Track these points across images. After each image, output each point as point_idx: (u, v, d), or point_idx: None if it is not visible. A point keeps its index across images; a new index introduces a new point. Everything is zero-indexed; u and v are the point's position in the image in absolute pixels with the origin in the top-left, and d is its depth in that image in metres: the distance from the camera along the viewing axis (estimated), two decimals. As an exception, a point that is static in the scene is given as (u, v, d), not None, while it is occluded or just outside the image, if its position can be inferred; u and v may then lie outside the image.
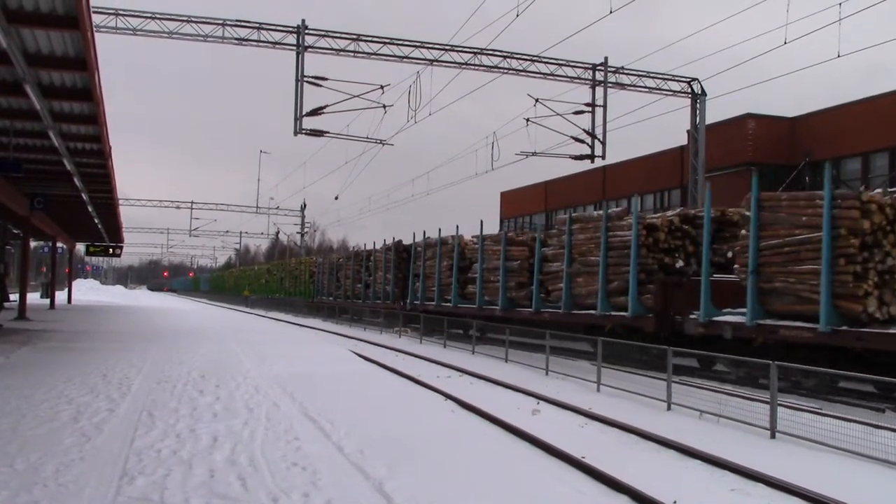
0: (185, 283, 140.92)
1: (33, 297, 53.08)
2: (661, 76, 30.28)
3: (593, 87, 29.91)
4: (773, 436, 10.42)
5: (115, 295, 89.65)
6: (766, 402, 10.84)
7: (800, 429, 10.19)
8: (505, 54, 28.78)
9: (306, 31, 27.26)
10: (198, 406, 11.72)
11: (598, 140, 29.99)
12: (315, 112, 27.77)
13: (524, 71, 29.20)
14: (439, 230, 29.64)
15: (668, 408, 12.64)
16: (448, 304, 28.02)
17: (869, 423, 10.02)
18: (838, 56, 20.54)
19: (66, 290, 63.43)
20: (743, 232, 15.73)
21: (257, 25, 27.13)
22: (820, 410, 11.50)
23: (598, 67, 29.83)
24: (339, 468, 8.13)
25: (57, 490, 7.03)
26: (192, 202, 71.53)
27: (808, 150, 29.89)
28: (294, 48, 27.21)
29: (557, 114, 29.61)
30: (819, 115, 31.90)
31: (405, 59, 28.08)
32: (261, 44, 27.34)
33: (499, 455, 9.13)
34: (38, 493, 6.92)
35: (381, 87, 27.96)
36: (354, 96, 27.72)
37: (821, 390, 13.91)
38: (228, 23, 26.91)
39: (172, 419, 10.57)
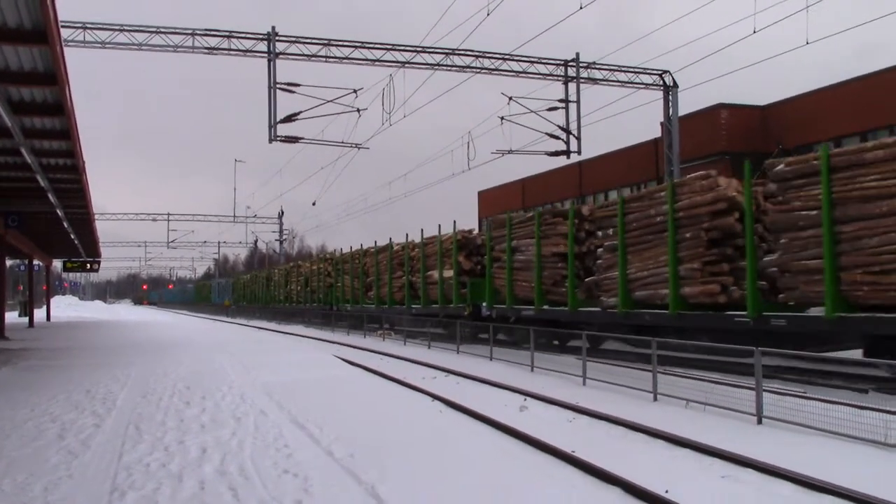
0: (178, 294, 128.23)
1: (11, 316, 52.42)
2: (632, 70, 30.45)
3: (566, 83, 30.04)
4: (759, 421, 10.50)
5: (95, 310, 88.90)
6: (752, 389, 10.92)
7: (786, 413, 10.29)
8: (477, 54, 28.83)
9: (277, 38, 27.17)
10: (185, 418, 11.65)
11: (573, 136, 30.13)
12: (289, 119, 27.67)
13: (496, 70, 29.27)
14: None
15: (655, 399, 12.70)
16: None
17: (853, 405, 10.11)
18: (807, 43, 20.75)
19: (45, 307, 62.79)
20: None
21: (227, 34, 27.02)
22: (805, 394, 11.60)
23: (570, 63, 29.96)
24: (330, 473, 8.10)
25: (46, 509, 6.96)
26: (168, 214, 71.19)
27: (778, 138, 30.17)
28: (265, 55, 27.13)
29: (532, 111, 29.72)
30: (790, 103, 32.23)
31: (377, 63, 28.08)
32: (231, 52, 27.23)
33: (489, 453, 9.13)
34: (27, 513, 6.85)
35: (355, 91, 27.96)
36: (328, 101, 27.66)
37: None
38: (198, 32, 26.79)
39: (160, 432, 10.50)
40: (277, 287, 53.41)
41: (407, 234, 30.74)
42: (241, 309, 65.74)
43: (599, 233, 19.08)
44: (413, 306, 29.61)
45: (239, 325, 49.83)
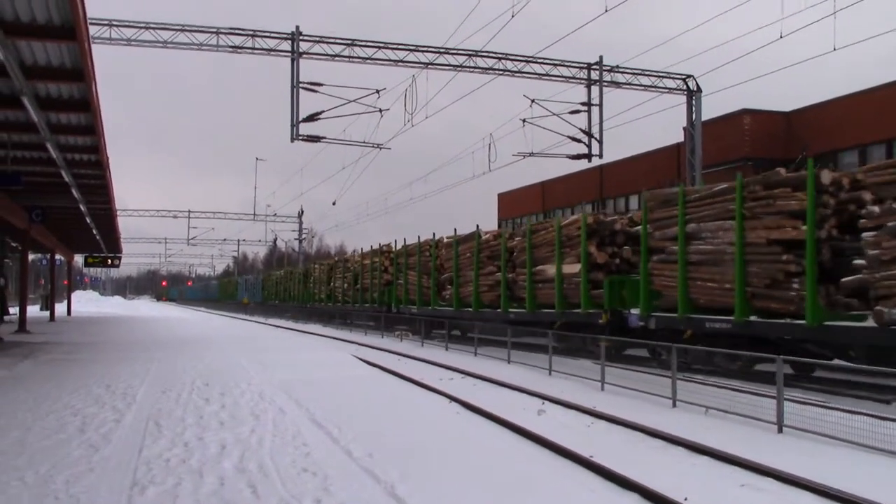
0: (199, 291, 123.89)
1: (33, 310, 53.04)
2: (656, 74, 30.33)
3: (589, 87, 29.97)
4: (780, 430, 10.42)
5: (115, 305, 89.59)
6: (773, 397, 10.84)
7: (807, 423, 10.20)
8: (500, 56, 28.83)
9: (300, 38, 27.28)
10: (204, 414, 11.72)
11: (595, 139, 30.03)
12: (311, 118, 27.79)
13: (519, 72, 29.25)
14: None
15: (674, 405, 12.63)
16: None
17: (875, 415, 10.02)
18: (834, 49, 20.60)
19: (66, 302, 63.38)
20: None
21: (251, 33, 27.16)
22: (827, 404, 11.51)
23: (594, 66, 29.89)
24: (349, 473, 8.12)
25: (68, 502, 7.02)
26: (189, 211, 71.51)
27: (804, 144, 29.94)
28: (289, 55, 27.25)
29: (554, 114, 29.67)
30: (815, 109, 31.97)
31: (400, 63, 28.13)
32: (255, 51, 27.37)
33: (508, 456, 9.13)
34: (49, 505, 6.92)
35: (377, 92, 28.03)
36: (350, 101, 27.76)
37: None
38: (223, 31, 26.94)
39: (179, 428, 10.58)
40: (318, 284, 47.50)
41: (501, 223, 25.42)
42: (268, 308, 63.81)
43: (874, 208, 13.05)
44: (511, 311, 23.40)
45: (261, 325, 50.01)
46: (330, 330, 38.79)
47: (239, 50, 27.20)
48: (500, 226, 51.38)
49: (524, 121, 29.47)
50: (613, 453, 8.96)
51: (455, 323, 27.91)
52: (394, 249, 34.70)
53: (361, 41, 27.90)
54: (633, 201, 38.19)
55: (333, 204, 48.25)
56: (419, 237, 31.03)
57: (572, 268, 20.32)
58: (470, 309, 25.93)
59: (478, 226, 27.02)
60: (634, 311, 18.09)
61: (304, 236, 74.31)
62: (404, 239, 32.84)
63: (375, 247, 37.00)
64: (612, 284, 19.18)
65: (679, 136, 35.43)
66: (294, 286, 54.57)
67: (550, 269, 21.30)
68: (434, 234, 29.48)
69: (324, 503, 6.99)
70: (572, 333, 19.60)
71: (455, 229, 28.41)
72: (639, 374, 15.63)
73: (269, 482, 7.70)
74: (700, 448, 9.23)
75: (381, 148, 30.01)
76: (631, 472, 7.87)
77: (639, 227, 18.72)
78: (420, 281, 30.37)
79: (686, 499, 7.05)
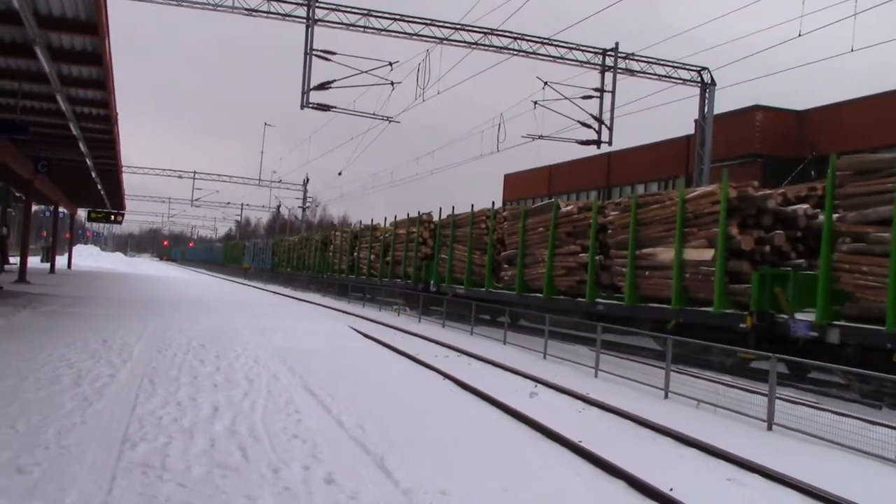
0: (202, 252, 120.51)
1: (34, 261, 53.08)
2: (671, 64, 30.11)
3: (602, 73, 29.77)
4: (769, 428, 10.46)
5: (115, 262, 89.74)
6: (764, 395, 10.88)
7: (797, 422, 10.23)
8: (515, 36, 28.60)
9: (316, 4, 27.09)
10: (198, 375, 11.78)
11: (605, 126, 29.89)
12: (323, 86, 27.65)
13: (534, 53, 29.03)
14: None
15: (666, 396, 12.68)
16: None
17: (865, 419, 10.05)
18: (852, 50, 20.47)
19: (67, 255, 63.50)
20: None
21: (268, -4, 26.96)
22: (817, 405, 11.54)
23: (609, 53, 29.67)
24: (339, 442, 8.18)
25: (59, 452, 7.07)
26: (194, 172, 71.24)
27: (814, 143, 29.81)
28: (304, 21, 27.05)
29: (566, 97, 29.49)
30: (828, 109, 31.80)
31: (415, 37, 27.92)
32: (270, 15, 27.14)
33: (498, 436, 9.18)
34: (40, 455, 6.95)
35: (390, 64, 27.86)
36: (363, 72, 27.60)
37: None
38: (239, -8, 26.73)
39: (173, 387, 10.63)
40: (338, 253, 42.85)
41: (506, 204, 20.71)
42: (275, 275, 62.17)
43: None
44: (600, 301, 19.22)
45: (262, 291, 50.05)
46: (329, 300, 38.71)
47: (254, 13, 26.98)
48: (504, 206, 51.21)
49: (535, 103, 29.34)
50: (602, 439, 9.00)
51: (515, 310, 23.19)
52: (435, 219, 30.96)
53: (377, 12, 27.69)
54: (640, 190, 38.07)
55: (339, 174, 48.40)
56: (472, 206, 27.07)
57: (702, 254, 15.97)
58: (539, 294, 21.58)
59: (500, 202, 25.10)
60: (803, 316, 13.75)
61: (307, 205, 74.35)
62: (452, 207, 29.01)
63: (390, 218, 34.90)
64: (764, 279, 14.59)
65: (689, 128, 35.29)
66: (310, 254, 50.17)
67: (666, 254, 17.02)
68: (440, 210, 29.31)
69: (312, 470, 7.03)
70: (687, 340, 14.94)
71: (453, 206, 28.28)
72: (633, 364, 15.66)
73: (259, 446, 7.75)
74: (689, 440, 9.28)
75: (390, 121, 29.93)
76: (619, 459, 7.91)
77: (795, 207, 15.44)
78: (471, 257, 26.15)
79: (672, 489, 7.08)
